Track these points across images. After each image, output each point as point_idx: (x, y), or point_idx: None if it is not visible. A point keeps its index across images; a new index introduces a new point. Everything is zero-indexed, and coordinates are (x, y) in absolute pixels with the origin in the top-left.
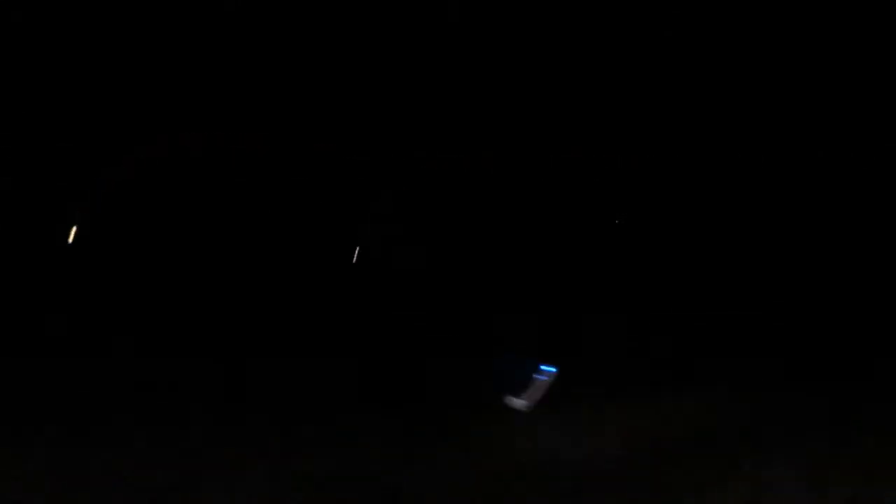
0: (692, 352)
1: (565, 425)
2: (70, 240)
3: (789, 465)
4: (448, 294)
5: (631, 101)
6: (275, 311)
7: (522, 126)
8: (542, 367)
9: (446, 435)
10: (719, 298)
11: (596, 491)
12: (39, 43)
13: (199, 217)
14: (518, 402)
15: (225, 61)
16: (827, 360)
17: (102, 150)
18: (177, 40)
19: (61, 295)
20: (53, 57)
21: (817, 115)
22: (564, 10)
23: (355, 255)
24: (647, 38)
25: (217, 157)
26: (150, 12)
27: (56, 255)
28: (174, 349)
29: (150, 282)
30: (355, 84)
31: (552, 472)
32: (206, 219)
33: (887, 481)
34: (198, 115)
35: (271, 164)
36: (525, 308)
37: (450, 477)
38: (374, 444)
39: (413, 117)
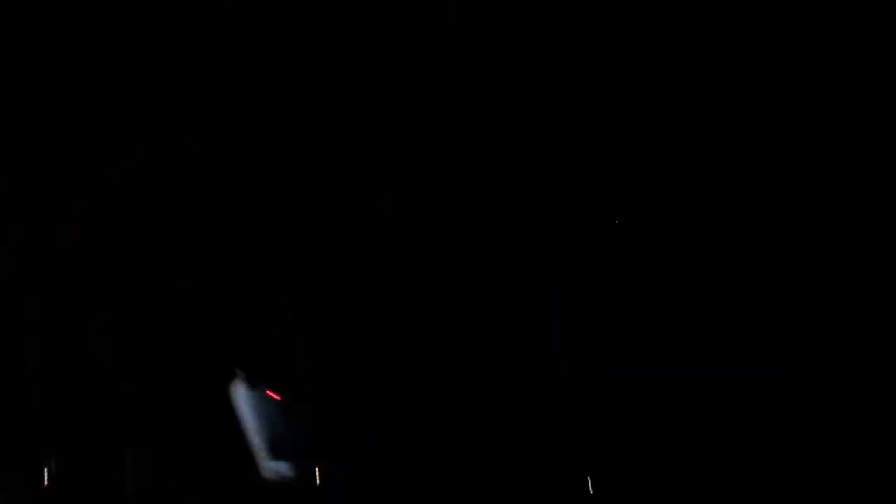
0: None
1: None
2: None
3: None
4: (446, 292)
5: (631, 100)
6: (274, 311)
7: (522, 126)
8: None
9: None
10: (719, 298)
11: None
12: (39, 43)
13: (200, 217)
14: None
15: (225, 61)
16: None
17: (102, 150)
18: (176, 40)
19: (60, 294)
20: (53, 57)
21: (817, 115)
22: (564, 10)
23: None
24: (647, 38)
25: (217, 157)
26: (149, 12)
27: (56, 256)
28: (173, 349)
29: (150, 281)
30: (355, 84)
31: None
32: (206, 219)
33: None
34: (198, 115)
35: (271, 164)
36: (525, 308)
37: None
38: None
39: (413, 117)
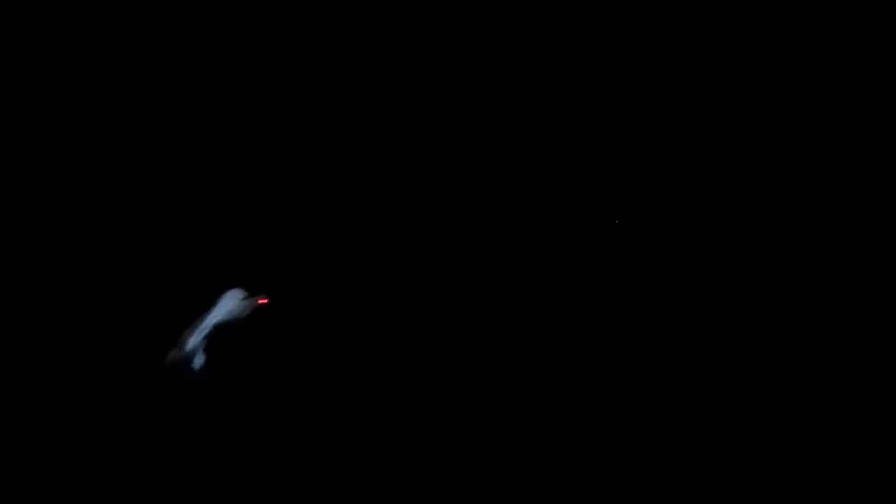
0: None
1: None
2: None
3: None
4: (446, 292)
5: (631, 100)
6: (274, 310)
7: (522, 126)
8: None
9: None
10: (719, 298)
11: None
12: (39, 43)
13: (199, 217)
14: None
15: (225, 61)
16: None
17: (102, 150)
18: (176, 40)
19: (60, 294)
20: (53, 57)
21: (817, 115)
22: (564, 10)
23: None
24: (647, 38)
25: (217, 157)
26: (149, 12)
27: (56, 256)
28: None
29: (150, 281)
30: (355, 84)
31: None
32: (206, 219)
33: None
34: (198, 115)
35: (271, 164)
36: (525, 308)
37: None
38: None
39: (413, 117)
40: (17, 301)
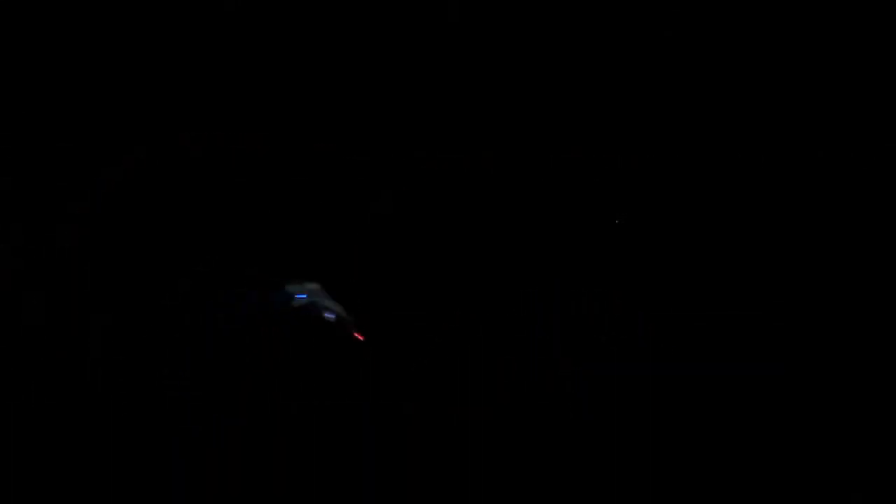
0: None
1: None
2: None
3: None
4: (446, 292)
5: (631, 100)
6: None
7: (522, 126)
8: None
9: None
10: (719, 298)
11: None
12: (39, 43)
13: (199, 217)
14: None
15: (225, 61)
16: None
17: (102, 150)
18: (176, 40)
19: (60, 294)
20: (53, 56)
21: (817, 115)
22: (564, 10)
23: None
24: (647, 38)
25: (217, 157)
26: (149, 12)
27: (56, 256)
28: (173, 348)
29: (150, 281)
30: (355, 84)
31: None
32: (206, 219)
33: None
34: (198, 115)
35: (271, 164)
36: (525, 308)
37: None
38: None
39: (413, 117)
40: (17, 301)
